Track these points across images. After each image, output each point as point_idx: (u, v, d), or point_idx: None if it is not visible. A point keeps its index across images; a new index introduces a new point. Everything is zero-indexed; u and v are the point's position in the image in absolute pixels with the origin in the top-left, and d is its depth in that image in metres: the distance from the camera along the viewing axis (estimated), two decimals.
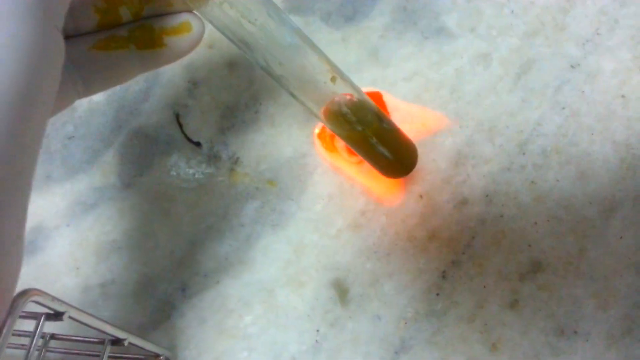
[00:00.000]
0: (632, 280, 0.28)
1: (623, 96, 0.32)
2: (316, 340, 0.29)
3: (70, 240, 0.34)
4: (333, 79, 0.24)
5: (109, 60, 0.23)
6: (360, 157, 0.33)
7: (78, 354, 0.29)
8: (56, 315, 0.21)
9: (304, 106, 0.25)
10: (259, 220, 0.33)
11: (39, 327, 0.21)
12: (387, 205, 0.31)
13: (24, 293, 0.19)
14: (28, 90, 0.15)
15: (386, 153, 0.27)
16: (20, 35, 0.15)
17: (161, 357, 0.29)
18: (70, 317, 0.22)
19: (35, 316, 0.22)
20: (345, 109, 0.24)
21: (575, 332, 0.28)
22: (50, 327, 0.28)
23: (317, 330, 0.30)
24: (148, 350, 0.28)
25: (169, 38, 0.24)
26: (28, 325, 0.22)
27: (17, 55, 0.14)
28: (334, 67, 0.24)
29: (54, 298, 0.21)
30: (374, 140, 0.26)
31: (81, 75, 0.22)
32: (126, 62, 0.23)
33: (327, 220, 0.32)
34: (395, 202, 0.31)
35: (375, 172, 0.30)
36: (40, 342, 0.26)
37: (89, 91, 0.23)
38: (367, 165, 0.33)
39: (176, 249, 0.33)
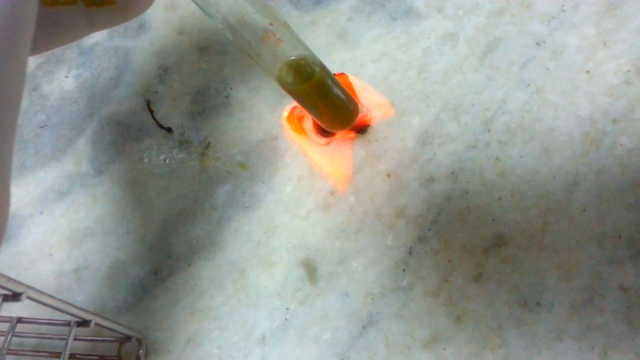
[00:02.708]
0: (594, 252, 0.29)
1: (587, 72, 0.33)
2: (286, 318, 0.30)
3: (43, 227, 0.35)
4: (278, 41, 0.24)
5: (56, 17, 0.22)
6: (327, 139, 0.33)
7: (50, 338, 0.30)
8: (14, 296, 0.22)
9: (260, 66, 0.26)
10: (230, 203, 0.34)
11: None
12: (340, 188, 0.32)
13: None
14: (11, 27, 0.15)
15: (337, 100, 0.29)
16: None
17: (132, 339, 0.30)
18: (29, 298, 0.22)
19: None
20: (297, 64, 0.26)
21: (538, 303, 0.29)
22: (16, 311, 0.29)
23: (287, 309, 0.30)
24: (119, 332, 0.29)
25: None
26: None
27: None
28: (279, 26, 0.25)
29: (9, 279, 0.21)
30: (325, 87, 0.28)
31: None
32: (74, 19, 0.23)
33: (297, 202, 0.33)
34: (345, 186, 0.32)
35: (338, 154, 0.31)
36: (7, 326, 0.27)
37: (36, 49, 0.23)
38: (333, 147, 0.34)
39: (148, 233, 0.34)
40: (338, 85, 0.29)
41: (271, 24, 0.24)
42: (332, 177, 0.32)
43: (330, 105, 0.29)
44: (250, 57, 0.26)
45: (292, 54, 0.26)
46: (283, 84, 0.27)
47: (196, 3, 0.23)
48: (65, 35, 0.23)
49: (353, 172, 0.33)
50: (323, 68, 0.27)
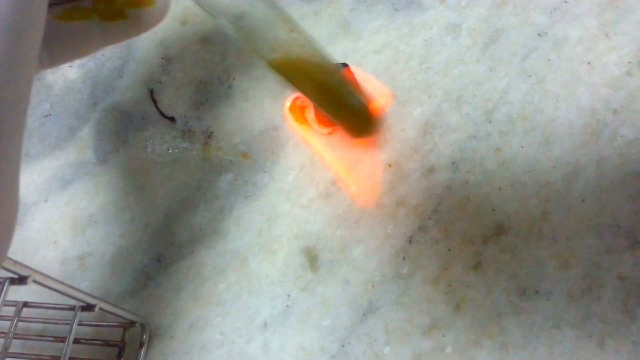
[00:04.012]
0: (592, 241, 0.30)
1: (589, 63, 0.33)
2: (287, 305, 0.31)
3: (48, 215, 0.35)
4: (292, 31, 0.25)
5: (72, 31, 0.23)
6: (329, 129, 0.34)
7: (55, 323, 0.30)
8: (20, 280, 0.22)
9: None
10: (232, 192, 0.34)
11: (4, 290, 0.22)
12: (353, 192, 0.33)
13: None
14: (17, 40, 0.16)
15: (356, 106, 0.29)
16: None
17: (136, 324, 0.30)
18: (35, 282, 0.23)
19: (0, 282, 0.23)
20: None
21: (537, 291, 0.29)
22: (22, 295, 0.29)
23: (288, 295, 0.31)
24: (123, 317, 0.29)
25: (131, 10, 0.24)
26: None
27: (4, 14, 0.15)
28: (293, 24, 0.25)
29: (16, 262, 0.22)
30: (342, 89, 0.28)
31: (45, 46, 0.23)
32: (89, 33, 0.24)
33: (298, 191, 0.34)
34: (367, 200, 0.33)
35: (341, 143, 0.31)
36: (13, 311, 0.28)
37: (53, 62, 0.24)
38: (335, 137, 0.34)
39: (152, 221, 0.34)
40: (355, 92, 0.29)
41: (291, 30, 0.24)
42: (357, 194, 0.32)
43: (349, 112, 0.29)
44: (265, 64, 0.26)
45: (310, 60, 0.26)
46: (299, 89, 0.27)
47: (211, 15, 0.23)
48: (80, 49, 0.24)
49: (354, 162, 0.34)
50: (341, 76, 0.28)
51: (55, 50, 0.24)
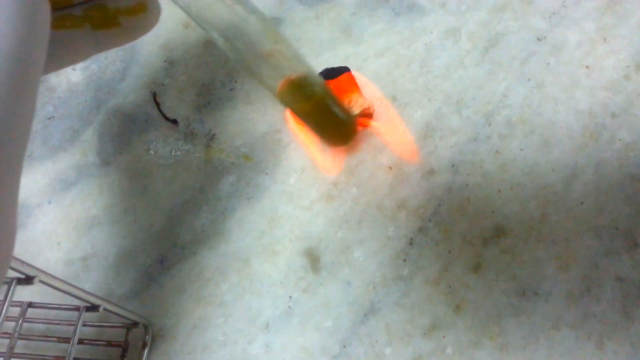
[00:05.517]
0: (591, 243, 0.30)
1: (587, 67, 0.34)
2: (289, 306, 0.31)
3: (52, 216, 0.36)
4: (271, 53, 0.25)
5: (64, 39, 0.23)
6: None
7: (59, 324, 0.31)
8: (27, 280, 0.23)
9: (261, 83, 0.27)
10: (234, 194, 0.35)
11: (11, 290, 0.23)
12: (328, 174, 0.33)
13: None
14: (23, 54, 0.16)
15: (337, 119, 0.30)
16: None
17: (139, 325, 0.31)
18: (41, 282, 0.23)
19: (6, 282, 0.23)
20: (298, 83, 0.26)
21: (536, 293, 0.30)
22: (25, 296, 0.30)
23: (290, 297, 0.31)
24: (126, 318, 0.30)
25: (123, 18, 0.24)
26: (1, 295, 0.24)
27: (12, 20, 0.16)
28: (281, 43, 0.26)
29: (23, 262, 0.22)
30: (325, 108, 0.28)
31: None
32: (81, 41, 0.24)
33: (300, 193, 0.34)
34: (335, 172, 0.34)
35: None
36: (18, 311, 0.28)
37: (45, 70, 0.24)
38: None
39: (154, 222, 0.35)
40: (338, 104, 0.30)
41: (276, 42, 0.25)
42: (322, 164, 0.33)
43: (329, 123, 0.30)
44: (252, 74, 0.27)
45: (294, 73, 0.26)
46: (283, 102, 0.28)
47: (201, 27, 0.24)
48: (72, 57, 0.24)
49: (355, 165, 0.34)
50: (324, 88, 0.28)
51: (47, 58, 0.24)
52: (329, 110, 0.29)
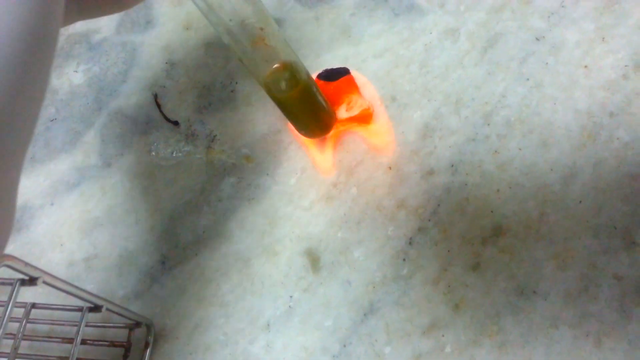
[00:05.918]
0: (589, 242, 0.30)
1: (586, 66, 0.34)
2: (290, 306, 0.32)
3: (54, 218, 0.36)
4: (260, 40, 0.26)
5: None
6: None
7: (62, 324, 0.31)
8: (31, 281, 0.23)
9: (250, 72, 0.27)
10: (235, 195, 0.35)
11: (15, 291, 0.23)
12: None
13: None
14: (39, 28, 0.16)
15: (320, 107, 0.30)
16: None
17: (141, 325, 0.31)
18: (44, 283, 0.24)
19: (10, 283, 0.24)
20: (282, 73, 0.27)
21: (535, 291, 0.30)
22: (28, 298, 0.30)
23: (291, 296, 0.32)
24: (129, 318, 0.30)
25: None
26: (5, 296, 0.24)
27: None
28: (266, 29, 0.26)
29: (26, 264, 0.22)
30: (310, 95, 0.29)
31: None
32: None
33: (300, 193, 0.34)
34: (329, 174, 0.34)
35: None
36: (22, 312, 0.28)
37: None
38: (331, 142, 0.35)
39: (156, 224, 0.35)
40: (320, 93, 0.31)
41: (262, 29, 0.25)
42: (320, 164, 0.34)
43: (312, 112, 0.31)
44: (241, 62, 0.27)
45: (280, 60, 0.27)
46: (269, 91, 0.28)
47: (199, 7, 0.24)
48: None
49: (355, 165, 0.34)
50: (308, 75, 0.29)
51: None
52: (314, 97, 0.29)
